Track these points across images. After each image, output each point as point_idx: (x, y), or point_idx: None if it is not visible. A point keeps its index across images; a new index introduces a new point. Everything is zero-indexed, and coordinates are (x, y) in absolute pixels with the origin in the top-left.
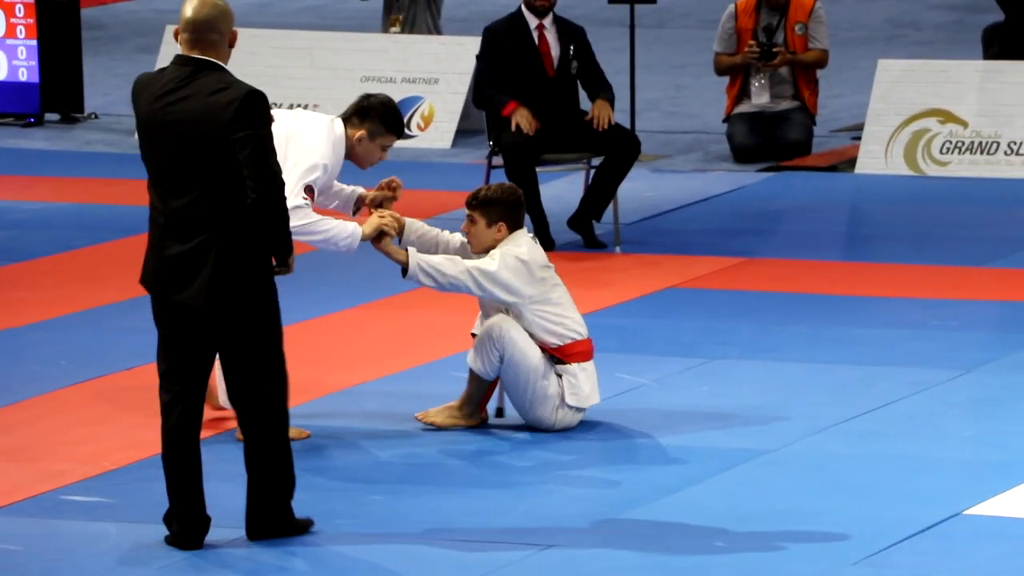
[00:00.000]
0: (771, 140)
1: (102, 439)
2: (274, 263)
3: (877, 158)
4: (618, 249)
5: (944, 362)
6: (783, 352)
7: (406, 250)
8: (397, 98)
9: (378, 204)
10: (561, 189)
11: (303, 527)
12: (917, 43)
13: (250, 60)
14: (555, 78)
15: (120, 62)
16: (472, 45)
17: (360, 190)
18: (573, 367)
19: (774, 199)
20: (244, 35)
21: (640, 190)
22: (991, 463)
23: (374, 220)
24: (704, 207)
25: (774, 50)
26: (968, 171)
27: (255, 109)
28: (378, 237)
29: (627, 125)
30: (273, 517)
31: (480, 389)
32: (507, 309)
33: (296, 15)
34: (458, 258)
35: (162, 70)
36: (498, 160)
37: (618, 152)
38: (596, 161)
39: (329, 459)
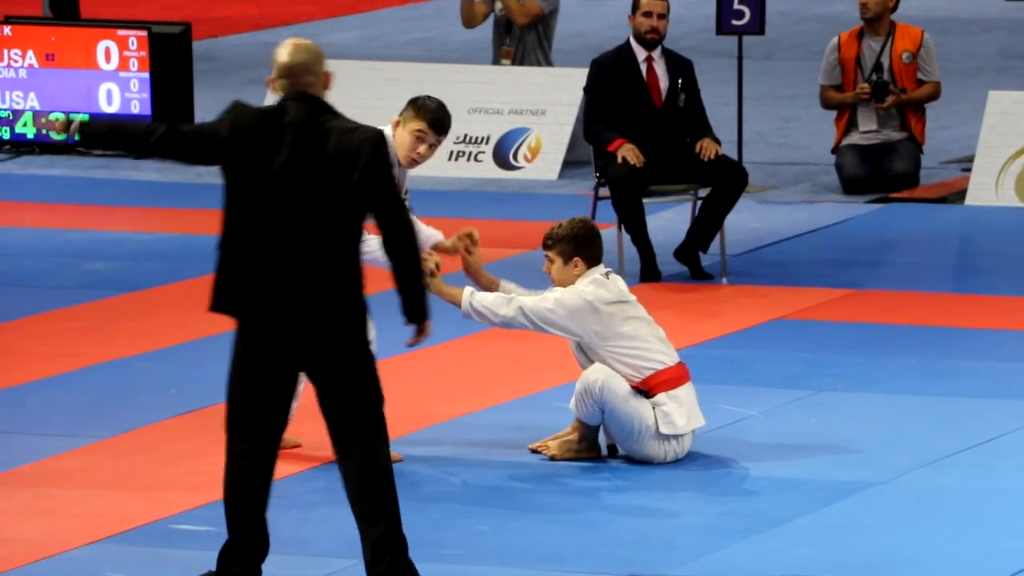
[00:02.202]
0: (880, 171)
1: (212, 468)
2: (409, 328)
3: (987, 190)
4: (725, 280)
5: None
6: (892, 384)
7: (461, 289)
8: (504, 129)
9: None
10: (668, 220)
11: None
12: None
13: (358, 92)
14: (663, 110)
15: (230, 94)
16: (579, 77)
17: (439, 236)
18: (660, 397)
19: (883, 230)
20: (352, 67)
21: (747, 221)
22: None
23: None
24: (812, 238)
25: (889, 87)
26: None
27: (384, 151)
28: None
29: (734, 156)
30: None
31: (590, 428)
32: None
33: (404, 47)
34: (514, 296)
35: (268, 108)
36: (605, 191)
37: (725, 183)
38: (703, 192)
39: (435, 490)
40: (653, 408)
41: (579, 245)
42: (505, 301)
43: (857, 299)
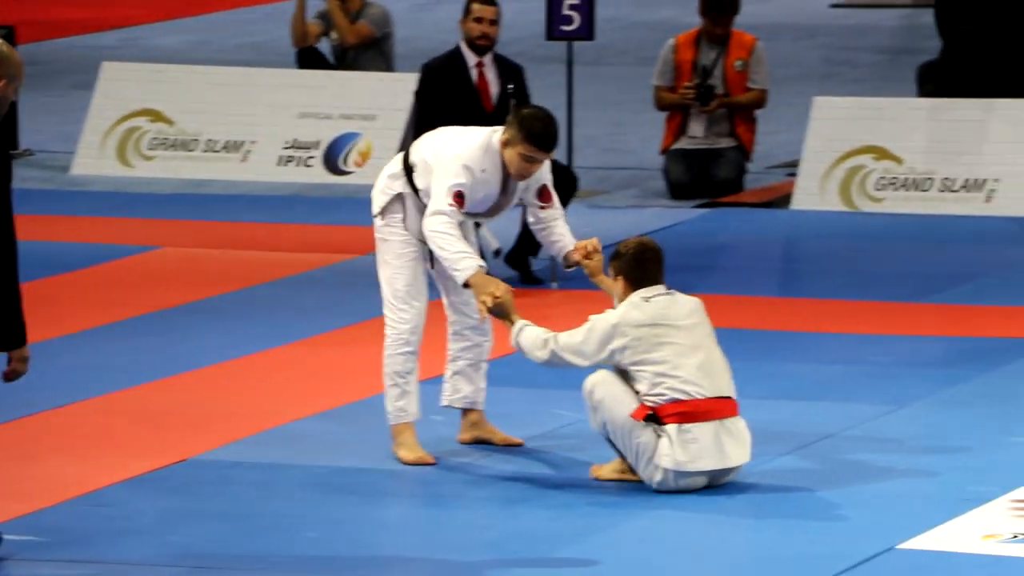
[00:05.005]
0: (705, 176)
1: (38, 475)
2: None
3: (812, 194)
4: (555, 285)
5: (876, 397)
6: None
7: (517, 321)
8: (334, 134)
9: (572, 265)
10: (499, 225)
11: None
12: (853, 80)
13: (187, 96)
14: (494, 114)
15: (55, 99)
16: (410, 81)
17: (570, 247)
18: (669, 428)
19: (710, 235)
20: (181, 71)
21: (577, 226)
22: (923, 497)
23: (486, 291)
24: None
25: (713, 91)
26: (902, 207)
27: None
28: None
29: (564, 161)
30: None
31: None
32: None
33: (235, 51)
34: (552, 335)
35: None
36: None
37: (555, 188)
38: None
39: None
40: (657, 437)
41: (623, 263)
42: (542, 343)
43: None
